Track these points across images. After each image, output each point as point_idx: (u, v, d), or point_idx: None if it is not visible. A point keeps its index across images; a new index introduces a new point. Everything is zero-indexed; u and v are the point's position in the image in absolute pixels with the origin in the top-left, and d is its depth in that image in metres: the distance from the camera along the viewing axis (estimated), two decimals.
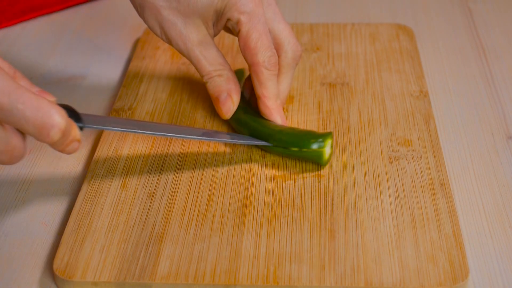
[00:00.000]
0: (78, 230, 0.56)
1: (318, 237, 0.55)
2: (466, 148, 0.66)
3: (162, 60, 0.77)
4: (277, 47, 0.64)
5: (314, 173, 0.61)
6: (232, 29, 0.62)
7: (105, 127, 0.56)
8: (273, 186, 0.60)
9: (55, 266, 0.54)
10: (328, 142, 0.61)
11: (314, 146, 0.60)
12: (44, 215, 0.60)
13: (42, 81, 0.76)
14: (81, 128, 0.53)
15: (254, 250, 0.54)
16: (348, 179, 0.60)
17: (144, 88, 0.72)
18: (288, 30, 0.64)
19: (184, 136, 0.61)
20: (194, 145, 0.65)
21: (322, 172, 0.61)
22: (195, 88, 0.72)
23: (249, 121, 0.64)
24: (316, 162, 0.61)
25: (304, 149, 0.61)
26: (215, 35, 0.64)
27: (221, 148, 0.64)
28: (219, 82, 0.63)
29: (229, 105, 0.63)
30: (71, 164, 0.65)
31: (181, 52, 0.63)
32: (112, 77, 0.77)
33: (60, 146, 0.51)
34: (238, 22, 0.61)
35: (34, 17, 0.87)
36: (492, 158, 0.65)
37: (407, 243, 0.54)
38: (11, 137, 0.50)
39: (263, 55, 0.61)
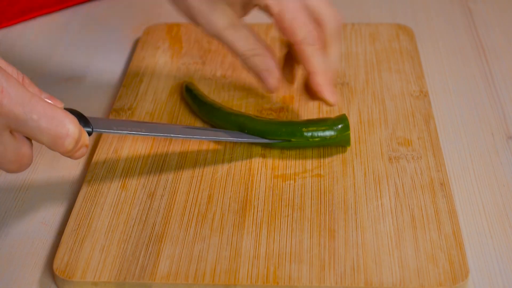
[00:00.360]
0: (78, 230, 0.56)
1: (318, 237, 0.55)
2: (466, 148, 0.66)
3: (162, 60, 0.77)
4: (317, 21, 0.61)
5: (314, 173, 0.61)
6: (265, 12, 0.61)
7: (113, 131, 0.56)
8: (273, 186, 0.60)
9: (55, 266, 0.54)
10: (348, 123, 0.62)
11: (341, 131, 0.62)
12: (44, 215, 0.60)
13: (42, 81, 0.76)
14: (89, 133, 0.53)
15: (254, 250, 0.54)
16: (348, 179, 0.60)
17: (144, 88, 0.72)
18: (325, 2, 0.62)
19: (195, 137, 0.61)
20: (194, 145, 0.65)
21: (322, 172, 0.61)
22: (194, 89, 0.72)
23: (262, 124, 0.64)
24: (343, 145, 0.62)
25: (332, 136, 0.61)
26: (244, 16, 0.63)
27: (221, 148, 0.64)
28: (257, 61, 0.62)
29: (272, 80, 0.62)
30: (71, 165, 0.65)
31: (212, 37, 0.62)
32: (112, 77, 0.77)
33: (70, 153, 0.51)
34: (266, 7, 0.60)
35: (34, 17, 0.87)
36: (492, 158, 0.65)
37: (407, 243, 0.54)
38: (21, 146, 0.50)
39: (301, 32, 0.60)
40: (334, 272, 0.52)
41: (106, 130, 0.56)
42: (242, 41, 0.61)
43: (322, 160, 0.62)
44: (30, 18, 0.87)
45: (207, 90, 0.72)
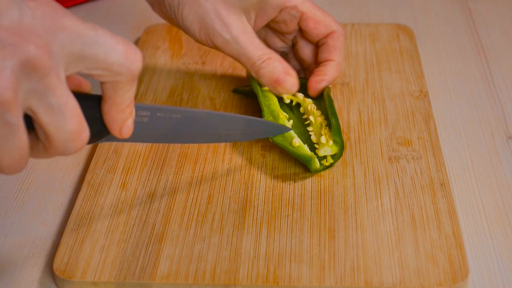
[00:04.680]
0: (78, 230, 0.56)
1: (318, 237, 0.55)
2: (466, 148, 0.66)
3: (162, 60, 0.77)
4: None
5: (314, 173, 0.61)
6: (287, 18, 0.65)
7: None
8: (273, 186, 0.60)
9: (55, 266, 0.54)
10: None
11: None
12: (44, 215, 0.60)
13: None
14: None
15: (254, 250, 0.54)
16: (348, 179, 0.60)
17: (144, 88, 0.72)
18: (330, 15, 0.66)
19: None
20: (194, 145, 0.65)
21: (322, 172, 0.61)
22: (195, 88, 0.72)
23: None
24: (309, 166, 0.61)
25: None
26: (255, 30, 0.65)
27: (221, 148, 0.64)
28: (273, 65, 0.63)
29: (291, 80, 0.63)
30: (71, 164, 0.65)
31: (225, 45, 0.63)
32: None
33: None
34: (295, 8, 0.64)
35: None
36: (492, 158, 0.65)
37: (407, 243, 0.54)
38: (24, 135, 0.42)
39: (336, 23, 0.65)
40: (334, 272, 0.52)
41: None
42: (256, 47, 0.63)
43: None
44: None
45: (207, 90, 0.72)
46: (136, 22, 0.86)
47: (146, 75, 0.74)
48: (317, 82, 0.64)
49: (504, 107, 0.71)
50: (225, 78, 0.74)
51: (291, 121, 0.63)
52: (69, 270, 0.53)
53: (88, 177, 0.62)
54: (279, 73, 0.62)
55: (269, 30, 0.68)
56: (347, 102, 0.69)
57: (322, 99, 0.64)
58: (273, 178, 0.61)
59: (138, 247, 0.55)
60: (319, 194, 0.59)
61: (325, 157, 0.60)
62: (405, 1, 0.90)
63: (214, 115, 0.56)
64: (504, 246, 0.56)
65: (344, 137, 0.65)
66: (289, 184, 0.60)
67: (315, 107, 0.63)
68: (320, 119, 0.62)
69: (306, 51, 0.67)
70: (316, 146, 0.61)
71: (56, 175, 0.64)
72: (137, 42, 0.81)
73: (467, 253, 0.55)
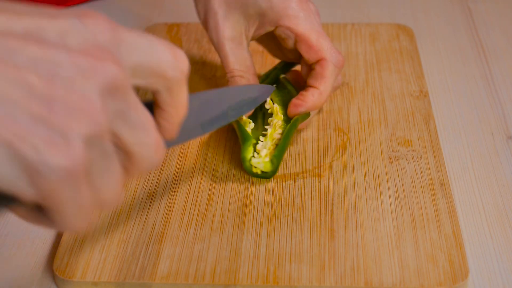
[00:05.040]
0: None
1: (318, 237, 0.55)
2: (466, 148, 0.66)
3: None
4: None
5: (314, 173, 0.61)
6: (283, 36, 0.63)
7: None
8: (273, 186, 0.60)
9: (55, 266, 0.54)
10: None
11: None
12: None
13: None
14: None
15: (254, 250, 0.54)
16: (348, 179, 0.60)
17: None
18: (329, 41, 0.63)
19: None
20: (194, 144, 0.65)
21: (322, 172, 0.61)
22: (195, 88, 0.72)
23: None
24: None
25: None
26: (252, 39, 0.64)
27: (221, 148, 0.64)
28: (238, 83, 0.63)
29: None
30: None
31: (213, 44, 0.63)
32: None
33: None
34: (290, 28, 0.61)
35: None
36: (492, 158, 0.65)
37: (407, 243, 0.54)
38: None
39: (329, 51, 0.62)
40: (334, 272, 0.52)
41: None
42: (237, 59, 0.62)
43: (322, 160, 0.62)
44: None
45: (204, 89, 0.72)
46: (136, 22, 0.86)
47: None
48: (295, 106, 0.62)
49: (504, 107, 0.71)
50: (225, 79, 0.74)
51: (252, 125, 0.63)
52: (69, 270, 0.53)
53: None
54: None
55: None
56: (347, 102, 0.69)
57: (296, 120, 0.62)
58: (273, 178, 0.61)
59: (138, 247, 0.55)
60: (319, 194, 0.59)
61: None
62: (405, 1, 0.90)
63: (220, 92, 0.56)
64: (504, 246, 0.56)
65: (344, 137, 0.65)
66: (289, 184, 0.60)
67: (281, 124, 0.62)
68: (277, 135, 0.61)
69: (304, 70, 0.65)
70: (255, 154, 0.60)
71: None
72: None
73: (467, 253, 0.56)
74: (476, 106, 0.71)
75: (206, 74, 0.74)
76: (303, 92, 0.62)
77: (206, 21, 0.63)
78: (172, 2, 0.90)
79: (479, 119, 0.70)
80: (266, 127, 0.62)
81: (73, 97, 0.35)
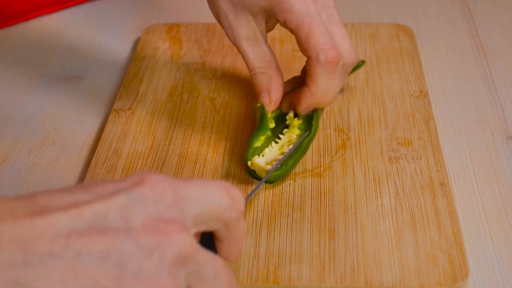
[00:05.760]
0: None
1: (318, 237, 0.55)
2: (466, 148, 0.66)
3: (162, 60, 0.77)
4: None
5: (314, 173, 0.61)
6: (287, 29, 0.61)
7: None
8: (273, 186, 0.60)
9: None
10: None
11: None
12: None
13: (42, 81, 0.76)
14: None
15: (254, 250, 0.54)
16: (348, 179, 0.60)
17: (144, 88, 0.72)
18: (343, 33, 0.61)
19: None
20: (194, 145, 0.65)
21: (322, 172, 0.61)
22: (195, 88, 0.72)
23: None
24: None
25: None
26: (268, 31, 0.64)
27: (221, 148, 0.64)
28: (261, 80, 0.63)
29: (266, 102, 0.63)
30: (71, 164, 0.65)
31: (232, 43, 0.63)
32: (112, 77, 0.77)
33: None
34: (285, 22, 0.59)
35: (34, 17, 0.87)
36: (492, 158, 0.65)
37: (407, 243, 0.54)
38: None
39: (317, 49, 0.58)
40: (334, 272, 0.52)
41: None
42: (256, 56, 0.62)
43: (322, 160, 0.62)
44: (30, 18, 0.87)
45: (207, 90, 0.72)
46: (136, 22, 0.86)
47: (146, 75, 0.74)
48: (296, 105, 0.62)
49: (504, 107, 0.71)
50: (225, 78, 0.74)
51: (273, 124, 0.63)
52: None
53: (88, 177, 0.62)
54: (261, 89, 0.63)
55: None
56: (347, 102, 0.69)
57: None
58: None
59: None
60: (319, 194, 0.59)
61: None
62: (405, 1, 0.90)
63: None
64: (504, 246, 0.56)
65: (344, 137, 0.65)
66: (289, 184, 0.60)
67: (294, 139, 0.62)
68: (287, 149, 0.61)
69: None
70: (261, 156, 0.61)
71: (56, 175, 0.64)
72: (137, 42, 0.81)
73: (467, 253, 0.55)
74: (476, 106, 0.71)
75: (206, 74, 0.74)
76: (298, 90, 0.62)
77: (220, 22, 0.63)
78: (172, 2, 0.90)
79: (479, 119, 0.70)
80: (281, 135, 0.63)
81: (142, 286, 0.36)
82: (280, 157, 0.60)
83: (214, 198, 0.40)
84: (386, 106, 0.69)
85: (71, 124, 0.70)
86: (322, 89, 0.60)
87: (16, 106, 0.72)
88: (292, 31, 0.60)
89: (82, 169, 0.65)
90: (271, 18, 0.62)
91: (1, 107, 0.72)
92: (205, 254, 0.39)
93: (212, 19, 0.65)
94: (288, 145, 0.61)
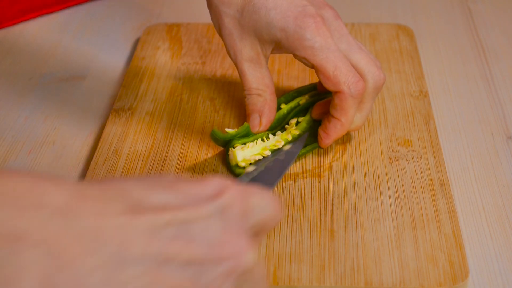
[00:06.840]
0: None
1: (318, 237, 0.55)
2: (466, 148, 0.66)
3: (162, 60, 0.77)
4: (359, 75, 0.60)
5: (314, 173, 0.61)
6: (302, 62, 0.61)
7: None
8: None
9: None
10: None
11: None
12: None
13: (42, 81, 0.76)
14: None
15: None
16: (348, 179, 0.60)
17: (144, 88, 0.72)
18: (367, 59, 0.60)
19: None
20: (194, 145, 0.65)
21: (322, 172, 0.61)
22: (195, 88, 0.72)
23: None
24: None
25: None
26: (272, 53, 0.63)
27: (221, 148, 0.64)
28: (255, 101, 0.63)
29: (256, 125, 0.63)
30: (71, 164, 0.65)
31: (231, 59, 0.63)
32: (112, 77, 0.77)
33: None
34: (306, 58, 0.59)
35: (34, 17, 0.87)
36: (492, 158, 0.65)
37: (407, 243, 0.54)
38: None
39: (347, 83, 0.58)
40: (334, 272, 0.52)
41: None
42: (255, 79, 0.62)
43: (322, 160, 0.62)
44: (30, 18, 0.87)
45: (207, 91, 0.72)
46: (136, 22, 0.86)
47: (146, 75, 0.74)
48: (321, 139, 0.62)
49: (504, 107, 0.71)
50: (225, 79, 0.74)
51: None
52: None
53: (88, 177, 0.62)
54: (253, 110, 0.63)
55: None
56: None
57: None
58: None
59: None
60: (319, 194, 0.59)
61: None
62: (405, 1, 0.90)
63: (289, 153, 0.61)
64: (504, 246, 0.56)
65: (344, 137, 0.65)
66: (289, 185, 0.60)
67: (281, 146, 0.62)
68: (268, 153, 0.61)
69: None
70: (242, 148, 0.61)
71: (56, 175, 0.64)
72: (137, 42, 0.81)
73: (467, 253, 0.56)
74: (476, 106, 0.71)
75: (206, 74, 0.74)
76: (327, 124, 0.61)
77: (221, 35, 0.63)
78: (172, 2, 0.90)
79: (479, 119, 0.70)
80: (271, 136, 0.63)
81: None
82: (258, 157, 0.61)
83: (269, 209, 0.41)
84: (386, 106, 0.69)
85: (71, 124, 0.70)
86: (352, 118, 0.60)
87: (16, 106, 0.72)
88: (314, 67, 0.59)
89: (82, 169, 0.65)
90: (281, 49, 0.61)
91: (1, 107, 0.72)
92: (258, 263, 0.40)
93: None
94: (272, 150, 0.61)
